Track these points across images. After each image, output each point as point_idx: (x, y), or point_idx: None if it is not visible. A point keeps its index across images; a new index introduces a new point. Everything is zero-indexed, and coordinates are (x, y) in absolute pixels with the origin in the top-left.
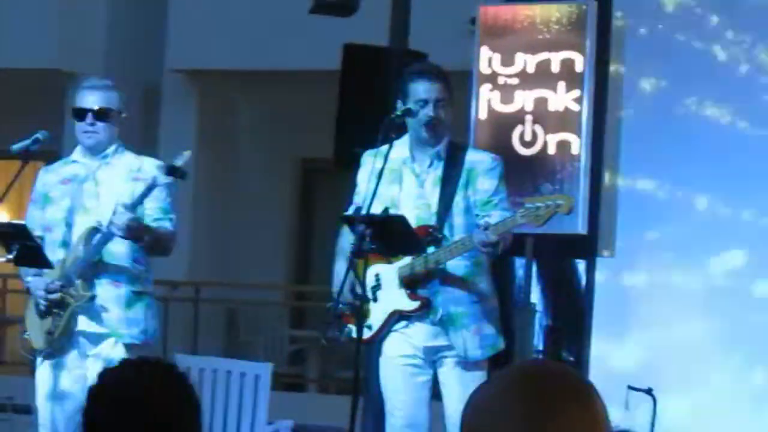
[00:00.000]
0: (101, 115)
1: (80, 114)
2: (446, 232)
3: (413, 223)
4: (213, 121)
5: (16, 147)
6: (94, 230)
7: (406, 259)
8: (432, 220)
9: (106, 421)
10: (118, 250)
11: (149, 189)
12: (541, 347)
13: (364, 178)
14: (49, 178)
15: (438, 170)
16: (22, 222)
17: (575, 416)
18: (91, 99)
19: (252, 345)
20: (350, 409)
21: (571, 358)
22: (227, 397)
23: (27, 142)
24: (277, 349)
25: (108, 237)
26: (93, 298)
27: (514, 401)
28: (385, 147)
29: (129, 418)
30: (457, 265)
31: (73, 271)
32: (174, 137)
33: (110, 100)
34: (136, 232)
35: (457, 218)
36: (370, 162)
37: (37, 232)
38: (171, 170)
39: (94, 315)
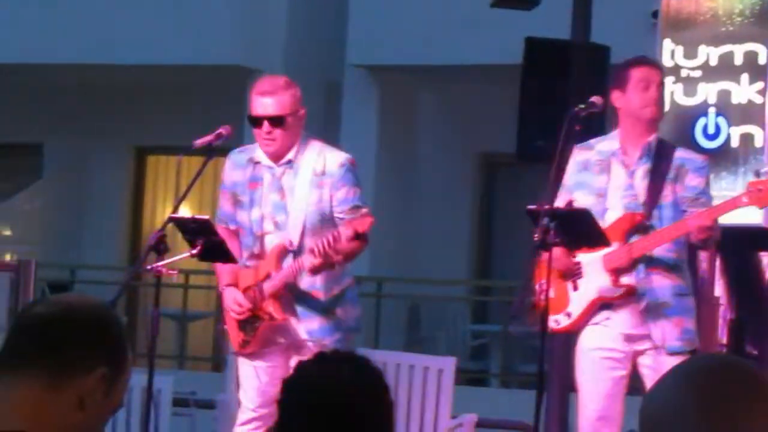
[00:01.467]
0: (277, 122)
1: (256, 122)
2: (654, 223)
3: (620, 214)
4: (393, 116)
5: (198, 142)
6: (285, 251)
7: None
8: (639, 211)
9: (300, 414)
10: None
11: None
12: (724, 341)
13: (572, 169)
14: (237, 174)
15: (648, 163)
16: (206, 217)
17: (756, 416)
18: (264, 106)
19: (434, 340)
20: (534, 403)
21: (755, 352)
22: (410, 391)
23: (209, 137)
24: (460, 343)
25: (300, 272)
26: (288, 318)
27: (692, 399)
28: (595, 140)
29: (324, 412)
30: (663, 256)
31: (267, 288)
32: (355, 132)
33: (284, 105)
34: (325, 267)
35: (666, 211)
36: (577, 154)
37: (231, 226)
38: (355, 236)
39: (292, 329)
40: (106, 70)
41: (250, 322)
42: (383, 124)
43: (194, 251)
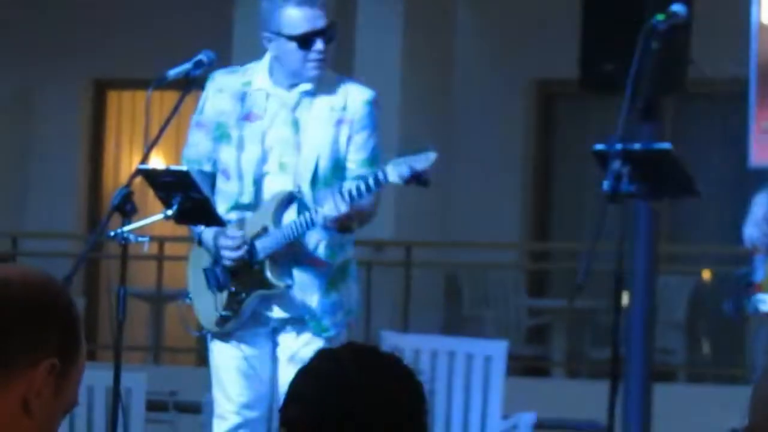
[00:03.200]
0: (330, 36)
1: (308, 40)
2: None
3: None
4: (423, 36)
5: (173, 72)
6: (290, 198)
7: None
8: None
9: (317, 411)
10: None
11: (376, 183)
12: None
13: None
14: (225, 102)
15: None
16: (184, 168)
17: None
18: (315, 18)
19: (480, 319)
20: (608, 397)
21: None
22: (450, 384)
23: (187, 65)
24: (513, 323)
25: (310, 227)
26: (289, 287)
27: None
28: None
29: (344, 413)
30: None
31: (262, 248)
32: (373, 55)
33: (328, 14)
34: (347, 224)
35: None
36: None
37: (205, 167)
38: (412, 178)
39: (288, 303)
40: None
41: (234, 291)
42: (410, 47)
43: (169, 212)
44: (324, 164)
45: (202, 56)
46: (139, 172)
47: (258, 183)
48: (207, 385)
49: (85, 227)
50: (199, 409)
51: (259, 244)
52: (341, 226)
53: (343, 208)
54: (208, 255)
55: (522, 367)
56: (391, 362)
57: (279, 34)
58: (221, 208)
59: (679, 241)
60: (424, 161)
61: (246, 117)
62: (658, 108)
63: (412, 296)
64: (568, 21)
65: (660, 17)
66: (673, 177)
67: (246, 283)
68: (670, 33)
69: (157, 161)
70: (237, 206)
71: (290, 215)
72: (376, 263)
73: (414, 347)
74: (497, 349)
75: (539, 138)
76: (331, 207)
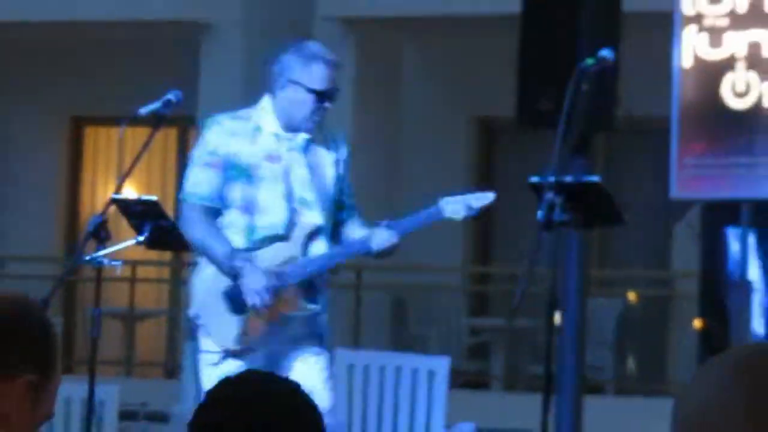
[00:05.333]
0: (336, 96)
1: (323, 96)
2: None
3: None
4: (373, 76)
5: (144, 110)
6: (317, 231)
7: None
8: None
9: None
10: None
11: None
12: (762, 331)
13: None
14: (239, 144)
15: None
16: (154, 198)
17: None
18: (331, 78)
19: (425, 337)
20: (542, 408)
21: None
22: (397, 397)
23: (157, 104)
24: (455, 341)
25: (359, 254)
26: (316, 314)
27: (739, 396)
28: None
29: None
30: None
31: (294, 275)
32: None
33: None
34: (390, 253)
35: None
36: None
37: (215, 203)
38: (468, 215)
39: (310, 321)
40: (36, 26)
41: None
42: (361, 86)
43: (141, 238)
44: (331, 200)
45: (170, 96)
46: (112, 201)
47: (290, 217)
48: (175, 396)
49: (63, 252)
50: (167, 418)
51: (290, 271)
52: (384, 253)
53: (395, 239)
54: (227, 278)
55: (463, 381)
56: (292, 388)
57: (299, 84)
58: (236, 239)
59: (608, 266)
60: (483, 200)
61: (268, 158)
62: (589, 144)
63: (363, 316)
64: (507, 63)
65: (590, 61)
66: (602, 207)
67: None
68: (599, 75)
69: (130, 191)
70: (268, 238)
71: (317, 246)
72: (329, 285)
73: (364, 363)
74: (440, 365)
75: (481, 170)
76: (384, 239)
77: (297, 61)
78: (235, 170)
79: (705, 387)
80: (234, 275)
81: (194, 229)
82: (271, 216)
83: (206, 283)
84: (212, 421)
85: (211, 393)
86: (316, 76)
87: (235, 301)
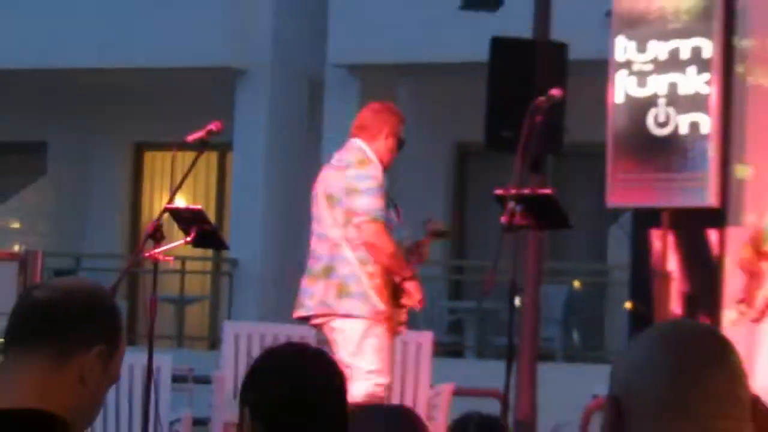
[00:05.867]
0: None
1: (400, 144)
2: None
3: None
4: None
5: (191, 138)
6: None
7: None
8: None
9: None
10: None
11: None
12: (679, 311)
13: None
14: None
15: None
16: (199, 207)
17: (720, 378)
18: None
19: (414, 316)
20: (505, 372)
21: (707, 323)
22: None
23: (201, 133)
24: (437, 319)
25: None
26: None
27: (664, 362)
28: None
29: (288, 398)
30: None
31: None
32: (336, 128)
33: None
34: None
35: None
36: None
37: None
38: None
39: None
40: (106, 73)
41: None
42: None
43: (188, 239)
44: None
45: (212, 126)
46: (166, 209)
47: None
48: (216, 363)
49: (128, 250)
50: (210, 381)
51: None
52: None
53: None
54: None
55: (443, 351)
56: (321, 354)
57: (393, 135)
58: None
59: (557, 259)
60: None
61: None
62: (542, 163)
63: None
64: (478, 100)
65: (542, 98)
66: (553, 213)
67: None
68: (549, 110)
69: (180, 202)
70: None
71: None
72: None
73: None
74: (426, 338)
75: (458, 185)
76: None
77: (392, 117)
78: (386, 199)
79: (637, 352)
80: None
81: (388, 240)
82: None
83: None
84: (264, 381)
85: (258, 361)
86: (402, 129)
87: None
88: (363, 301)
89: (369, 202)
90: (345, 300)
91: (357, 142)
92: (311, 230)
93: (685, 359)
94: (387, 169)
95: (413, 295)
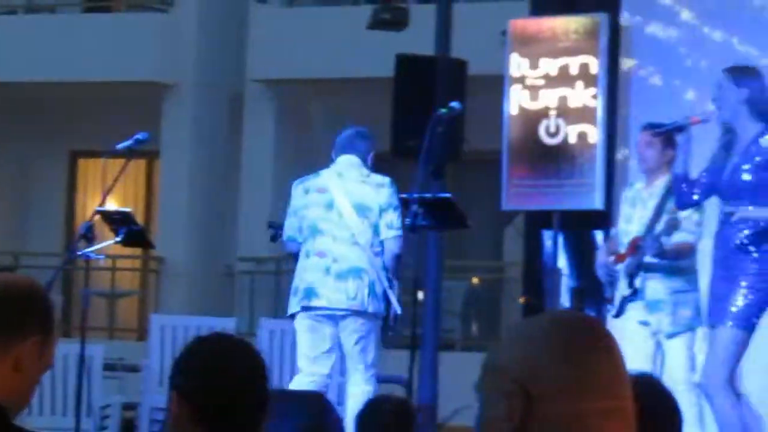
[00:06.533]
0: None
1: None
2: None
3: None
4: (288, 124)
5: (120, 146)
6: None
7: None
8: None
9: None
10: None
11: None
12: (567, 305)
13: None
14: None
15: None
16: (128, 209)
17: (600, 364)
18: None
19: None
20: (409, 360)
21: (593, 315)
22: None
23: (129, 141)
24: None
25: None
26: None
27: (556, 347)
28: None
29: (216, 381)
30: None
31: None
32: (255, 139)
33: None
34: None
35: None
36: None
37: None
38: None
39: None
40: (44, 86)
41: None
42: (280, 133)
43: (117, 238)
44: None
45: (139, 136)
46: (97, 212)
47: None
48: (144, 353)
49: (64, 249)
50: (139, 369)
51: None
52: None
53: None
54: None
55: None
56: (244, 343)
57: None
58: None
59: (457, 257)
60: None
61: None
62: (443, 170)
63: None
64: (386, 112)
65: (443, 110)
66: (452, 215)
67: None
68: (450, 121)
69: (111, 205)
70: None
71: None
72: (257, 273)
73: (281, 328)
74: None
75: None
76: None
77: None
78: None
79: (532, 339)
80: None
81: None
82: None
83: None
84: (192, 367)
85: (186, 349)
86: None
87: None
88: None
89: None
90: None
91: None
92: None
93: (580, 344)
94: None
95: None
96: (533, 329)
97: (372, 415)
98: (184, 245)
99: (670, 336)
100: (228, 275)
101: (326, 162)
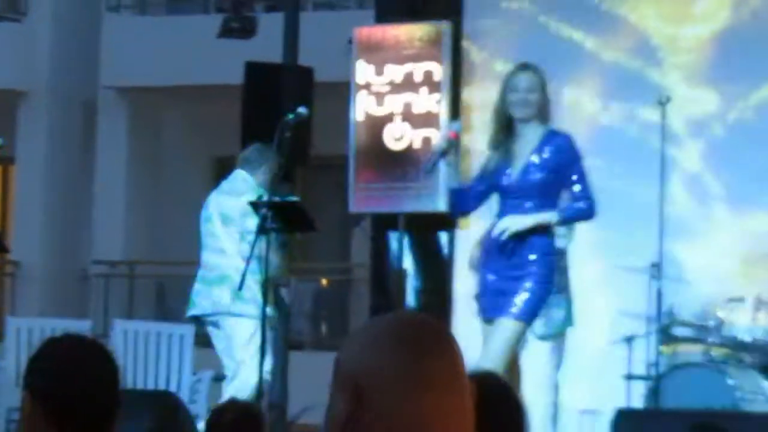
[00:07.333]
0: None
1: None
2: None
3: None
4: (142, 131)
5: None
6: None
7: None
8: None
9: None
10: None
11: None
12: (414, 303)
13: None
14: None
15: None
16: None
17: (443, 360)
18: None
19: (178, 311)
20: (259, 360)
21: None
22: (158, 354)
23: None
24: None
25: None
26: None
27: (392, 344)
28: None
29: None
30: None
31: None
32: (108, 146)
33: None
34: None
35: None
36: None
37: None
38: None
39: None
40: None
41: None
42: (133, 139)
43: None
44: None
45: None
46: None
47: None
48: (0, 354)
49: None
50: None
51: None
52: None
53: None
54: None
55: (203, 342)
56: (95, 344)
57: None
58: None
59: (307, 259)
60: None
61: None
62: (292, 174)
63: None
64: (235, 117)
65: (290, 116)
66: (300, 218)
67: None
68: (297, 126)
69: None
70: None
71: None
72: (112, 275)
73: (135, 329)
74: (188, 331)
75: None
76: None
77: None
78: None
79: (370, 337)
80: None
81: None
82: None
83: None
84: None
85: (38, 350)
86: None
87: None
88: None
89: None
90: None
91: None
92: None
93: (415, 344)
94: None
95: None
96: (372, 328)
97: (217, 423)
98: (40, 249)
99: (542, 338)
100: (83, 278)
101: (178, 167)
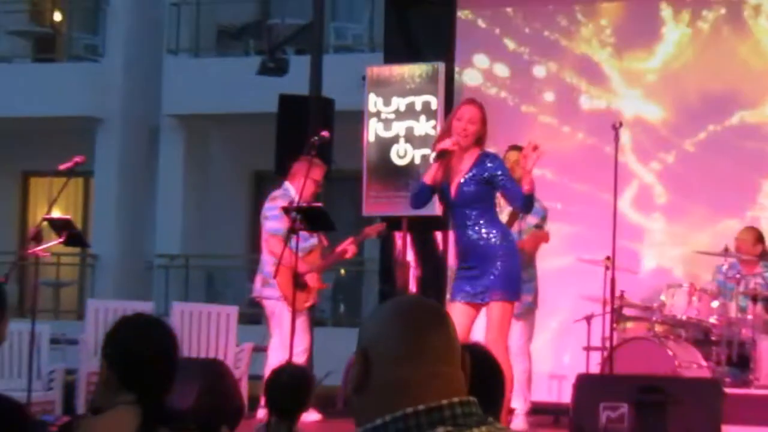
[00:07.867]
0: None
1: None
2: None
3: None
4: (195, 149)
5: (62, 167)
6: None
7: None
8: None
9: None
10: None
11: None
12: (414, 291)
13: None
14: None
15: None
16: (69, 217)
17: (439, 336)
18: None
19: (224, 295)
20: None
21: (431, 299)
22: (208, 329)
23: (69, 164)
24: (240, 297)
25: None
26: None
27: (396, 321)
28: None
29: (143, 353)
30: None
31: None
32: (169, 161)
33: None
34: None
35: None
36: None
37: None
38: None
39: None
40: (3, 120)
41: None
42: (188, 155)
43: (60, 239)
44: None
45: (77, 159)
46: (44, 219)
47: None
48: (82, 330)
49: (17, 247)
50: (77, 342)
51: None
52: None
53: None
54: None
55: (247, 320)
56: (159, 321)
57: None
58: None
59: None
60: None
61: None
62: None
63: (190, 283)
64: (271, 139)
65: (315, 138)
66: (323, 220)
67: None
68: (321, 146)
69: (55, 213)
70: None
71: None
72: (171, 267)
73: (189, 310)
74: (232, 311)
75: (256, 201)
76: None
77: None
78: None
79: (380, 315)
80: None
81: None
82: None
83: None
84: (118, 339)
85: (113, 326)
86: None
87: None
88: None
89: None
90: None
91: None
92: None
93: (413, 320)
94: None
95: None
96: (382, 309)
97: (274, 381)
98: (113, 244)
99: (516, 316)
100: (148, 268)
101: (224, 179)
